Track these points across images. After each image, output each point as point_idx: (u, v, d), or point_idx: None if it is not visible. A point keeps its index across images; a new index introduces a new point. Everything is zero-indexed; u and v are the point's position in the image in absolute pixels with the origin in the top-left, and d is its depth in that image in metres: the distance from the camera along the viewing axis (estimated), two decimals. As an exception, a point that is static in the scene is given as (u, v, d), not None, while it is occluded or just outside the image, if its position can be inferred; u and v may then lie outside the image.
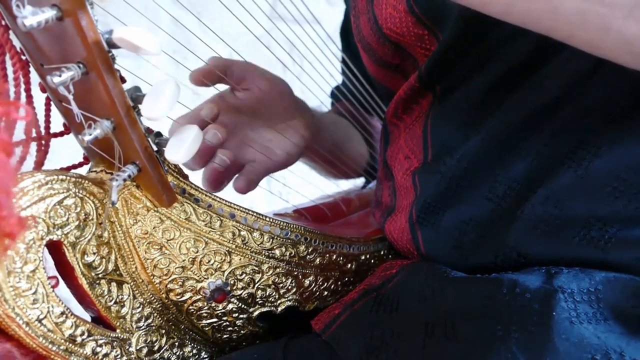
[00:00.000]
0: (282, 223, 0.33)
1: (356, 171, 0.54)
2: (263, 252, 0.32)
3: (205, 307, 0.32)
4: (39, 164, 0.28)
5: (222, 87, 0.40)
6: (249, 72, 0.39)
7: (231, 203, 0.32)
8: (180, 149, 0.27)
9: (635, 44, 0.21)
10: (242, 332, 0.34)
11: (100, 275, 0.28)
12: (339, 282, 0.37)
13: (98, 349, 0.27)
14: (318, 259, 0.35)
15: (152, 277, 0.30)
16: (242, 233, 0.32)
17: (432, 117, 0.36)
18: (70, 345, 0.26)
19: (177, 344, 0.32)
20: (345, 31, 0.54)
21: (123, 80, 0.26)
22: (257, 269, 0.32)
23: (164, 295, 0.31)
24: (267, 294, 0.33)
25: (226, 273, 0.31)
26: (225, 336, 0.34)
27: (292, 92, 0.42)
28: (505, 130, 0.31)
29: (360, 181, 0.59)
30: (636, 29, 0.20)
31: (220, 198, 0.32)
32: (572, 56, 0.28)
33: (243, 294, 0.32)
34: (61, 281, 0.27)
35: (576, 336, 0.25)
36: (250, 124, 0.41)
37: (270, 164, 0.41)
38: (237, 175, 0.40)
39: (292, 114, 0.42)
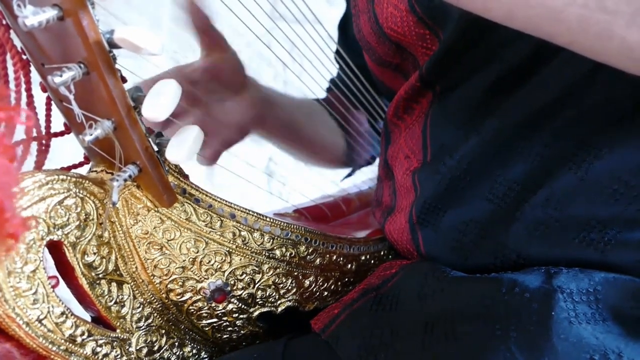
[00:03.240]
0: (282, 223, 0.33)
1: (333, 159, 0.55)
2: (263, 253, 0.32)
3: (206, 307, 0.32)
4: (39, 164, 0.28)
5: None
6: (220, 42, 0.40)
7: (232, 203, 0.32)
8: (182, 149, 0.27)
9: (637, 50, 0.21)
10: (242, 332, 0.34)
11: (100, 276, 0.28)
12: (339, 283, 0.37)
13: (98, 349, 0.27)
14: (318, 260, 0.35)
15: (152, 277, 0.30)
16: (242, 233, 0.32)
17: (432, 116, 0.36)
18: (71, 345, 0.26)
19: (177, 344, 0.32)
20: (344, 24, 0.54)
21: (124, 80, 0.26)
22: (257, 269, 0.32)
23: (164, 296, 0.31)
24: (267, 294, 0.33)
25: (226, 273, 0.32)
26: (225, 336, 0.34)
27: (243, 69, 0.44)
28: (506, 131, 0.31)
29: (356, 178, 0.59)
30: (638, 36, 0.21)
31: (220, 198, 0.32)
32: (573, 57, 0.28)
33: (243, 294, 0.32)
34: (61, 281, 0.27)
35: (575, 336, 0.25)
36: (204, 96, 0.42)
37: (220, 139, 0.42)
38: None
39: (241, 90, 0.43)
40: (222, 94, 0.42)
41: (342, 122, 0.52)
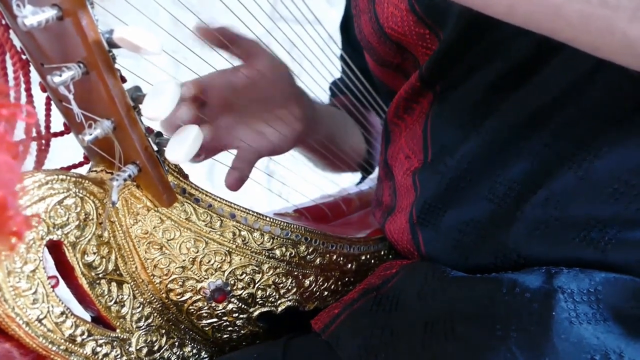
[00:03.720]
0: (282, 223, 0.33)
1: (352, 166, 0.54)
2: (263, 252, 0.32)
3: (206, 307, 0.32)
4: (39, 164, 0.28)
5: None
6: (256, 49, 0.38)
7: (232, 203, 0.32)
8: (181, 149, 0.27)
9: (638, 46, 0.21)
10: (242, 332, 0.34)
11: (100, 275, 0.28)
12: (339, 282, 0.37)
13: (98, 349, 0.27)
14: (318, 259, 0.35)
15: (152, 277, 0.30)
16: (242, 233, 0.32)
17: (432, 116, 0.36)
18: (70, 345, 0.26)
19: (177, 343, 0.32)
20: (345, 24, 0.54)
21: (123, 80, 0.26)
22: (257, 269, 0.32)
23: (164, 295, 0.31)
24: (267, 294, 0.33)
25: (226, 273, 0.31)
26: (225, 336, 0.34)
27: (292, 78, 0.42)
28: (506, 131, 0.31)
29: (356, 177, 0.59)
30: None
31: (220, 198, 0.32)
32: (572, 56, 0.28)
33: (243, 294, 0.32)
34: (61, 281, 0.27)
35: (575, 336, 0.25)
36: (247, 105, 0.40)
37: (262, 148, 0.40)
38: (228, 171, 0.40)
39: (290, 100, 0.41)
40: (270, 104, 0.40)
41: (361, 127, 0.52)
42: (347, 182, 0.59)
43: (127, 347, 0.29)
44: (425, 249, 0.35)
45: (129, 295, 0.29)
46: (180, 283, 0.31)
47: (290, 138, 0.41)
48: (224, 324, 0.33)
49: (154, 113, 0.25)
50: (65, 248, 0.27)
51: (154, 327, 0.31)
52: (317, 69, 0.44)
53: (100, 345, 0.28)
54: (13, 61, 0.25)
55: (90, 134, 0.24)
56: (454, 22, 0.31)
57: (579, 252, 0.29)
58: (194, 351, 0.33)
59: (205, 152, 0.37)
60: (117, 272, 0.29)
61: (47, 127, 0.28)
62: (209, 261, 0.31)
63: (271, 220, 0.33)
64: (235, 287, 0.32)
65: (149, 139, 0.28)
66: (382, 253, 0.40)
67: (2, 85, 0.25)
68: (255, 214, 0.32)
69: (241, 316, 0.33)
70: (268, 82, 0.39)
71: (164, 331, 0.31)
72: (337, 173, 0.56)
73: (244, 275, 0.32)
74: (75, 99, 0.24)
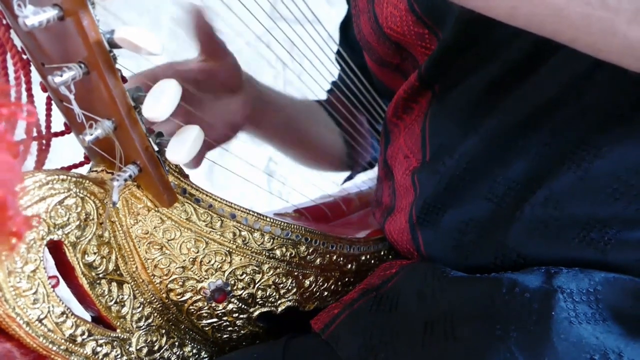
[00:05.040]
0: (282, 223, 0.33)
1: (334, 161, 0.54)
2: (264, 253, 0.32)
3: (206, 307, 0.32)
4: (39, 164, 0.28)
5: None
6: (220, 48, 0.39)
7: (232, 203, 0.32)
8: (182, 150, 0.27)
9: (639, 47, 0.21)
10: (242, 332, 0.34)
11: (100, 275, 0.28)
12: (339, 283, 0.37)
13: (98, 349, 0.27)
14: (318, 260, 0.35)
15: (152, 277, 0.30)
16: (242, 233, 0.32)
17: (431, 116, 0.36)
18: (71, 345, 0.26)
19: (177, 343, 0.32)
20: (345, 24, 0.54)
21: (124, 80, 0.26)
22: (257, 269, 0.32)
23: (164, 295, 0.31)
24: (268, 294, 0.33)
25: (226, 273, 0.32)
26: (225, 336, 0.34)
27: (240, 70, 0.42)
28: (505, 130, 0.31)
29: (357, 178, 0.59)
30: None
31: (221, 198, 0.32)
32: (571, 55, 0.28)
33: (243, 294, 0.32)
34: (61, 281, 0.27)
35: (575, 336, 0.25)
36: (192, 96, 0.40)
37: (210, 137, 0.40)
38: None
39: (237, 90, 0.42)
40: (216, 93, 0.41)
41: (342, 122, 0.52)
42: (347, 182, 0.59)
43: (128, 347, 0.29)
44: (425, 249, 0.35)
45: (129, 295, 0.29)
46: (180, 283, 0.31)
47: (235, 121, 0.42)
48: (224, 324, 0.33)
49: (155, 113, 0.25)
50: (65, 248, 0.27)
51: (154, 327, 0.31)
52: (317, 69, 0.44)
53: (101, 345, 0.28)
54: (14, 61, 0.25)
55: (91, 134, 0.24)
56: (453, 22, 0.31)
57: (579, 252, 0.29)
58: (194, 351, 0.33)
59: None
60: (118, 272, 0.29)
61: (48, 127, 0.28)
62: (209, 261, 0.31)
63: (271, 220, 0.33)
64: (235, 287, 0.32)
65: (150, 139, 0.28)
66: (382, 253, 0.40)
67: (2, 84, 0.25)
68: (255, 214, 0.32)
69: (241, 316, 0.33)
70: (216, 73, 0.40)
71: (164, 331, 0.31)
72: (322, 169, 0.56)
73: (244, 275, 0.32)
74: (76, 99, 0.24)
